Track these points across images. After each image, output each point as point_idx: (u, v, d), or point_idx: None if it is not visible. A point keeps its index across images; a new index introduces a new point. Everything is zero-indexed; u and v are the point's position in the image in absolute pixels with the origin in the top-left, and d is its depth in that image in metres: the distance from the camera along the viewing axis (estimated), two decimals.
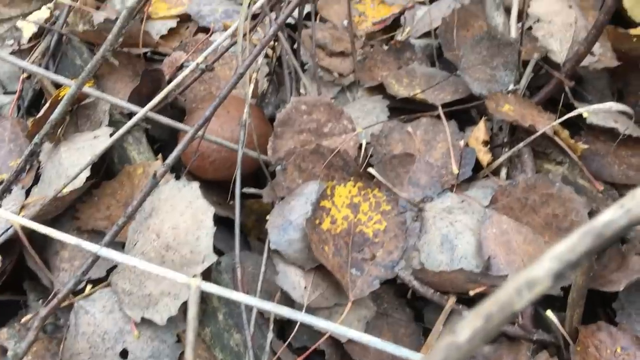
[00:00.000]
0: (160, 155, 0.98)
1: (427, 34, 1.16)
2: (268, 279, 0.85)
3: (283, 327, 0.90)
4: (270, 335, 0.77)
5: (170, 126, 0.90)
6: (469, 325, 0.29)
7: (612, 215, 0.28)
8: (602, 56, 0.98)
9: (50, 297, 0.83)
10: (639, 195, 0.27)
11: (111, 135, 0.86)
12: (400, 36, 1.18)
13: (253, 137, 0.92)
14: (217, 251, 0.97)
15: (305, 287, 0.82)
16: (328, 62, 1.12)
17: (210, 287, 0.55)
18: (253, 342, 0.73)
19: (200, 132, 0.90)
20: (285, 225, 0.84)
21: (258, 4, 0.83)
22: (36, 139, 0.78)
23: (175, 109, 1.04)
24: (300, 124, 0.87)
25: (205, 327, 0.79)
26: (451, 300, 0.76)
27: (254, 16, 0.99)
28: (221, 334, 0.78)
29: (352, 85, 1.10)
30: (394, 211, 0.87)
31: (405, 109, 1.04)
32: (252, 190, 0.85)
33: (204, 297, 0.81)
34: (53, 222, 0.90)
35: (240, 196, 0.82)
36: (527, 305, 0.31)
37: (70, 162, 0.87)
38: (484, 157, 0.93)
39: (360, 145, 0.95)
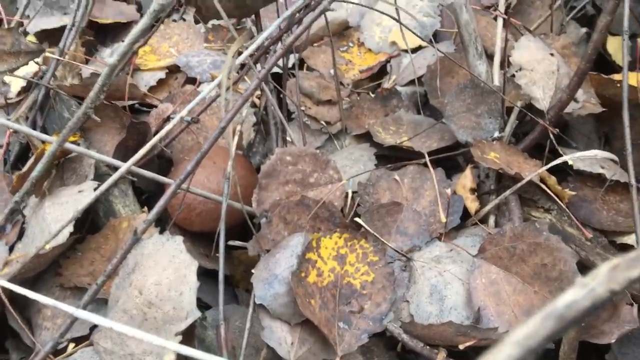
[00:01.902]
0: (146, 208, 0.98)
1: (413, 82, 1.17)
2: (255, 333, 0.83)
3: None
4: None
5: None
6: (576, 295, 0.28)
7: (574, 296, 0.27)
8: (586, 102, 0.99)
9: (31, 357, 0.81)
10: (602, 274, 0.26)
11: (95, 189, 0.86)
12: (386, 84, 1.19)
13: (238, 188, 0.91)
14: (204, 305, 0.96)
15: (292, 343, 0.80)
16: (315, 111, 1.13)
17: (188, 351, 0.53)
18: None
19: (185, 185, 0.90)
20: (271, 279, 0.83)
21: (243, 57, 0.83)
22: (17, 197, 0.77)
23: (163, 159, 1.04)
24: (285, 175, 0.87)
25: None
26: (441, 355, 0.74)
27: (242, 66, 1.00)
28: None
29: (339, 133, 1.10)
30: (381, 262, 0.85)
31: (392, 157, 1.04)
32: (237, 242, 0.84)
33: (187, 356, 0.79)
34: (36, 279, 0.88)
35: (227, 248, 0.81)
36: None
37: (54, 218, 0.86)
38: (472, 204, 0.92)
39: (347, 194, 0.95)
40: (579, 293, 0.27)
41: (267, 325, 0.80)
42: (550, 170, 0.91)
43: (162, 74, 1.19)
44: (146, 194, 1.08)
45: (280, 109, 1.06)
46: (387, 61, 1.23)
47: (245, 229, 1.02)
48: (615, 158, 0.83)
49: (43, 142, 0.91)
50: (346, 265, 0.85)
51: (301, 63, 1.24)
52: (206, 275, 0.96)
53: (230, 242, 0.83)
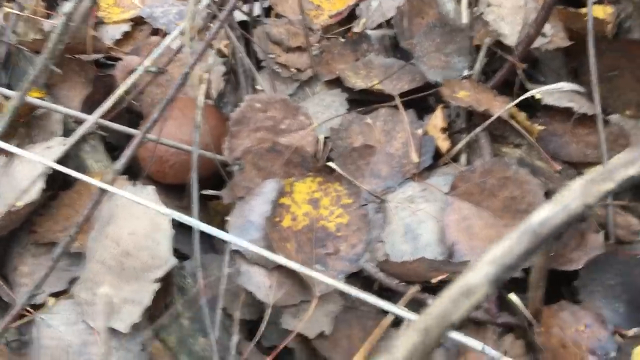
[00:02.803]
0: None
1: (382, 24, 1.16)
2: (234, 280, 0.84)
3: (252, 327, 0.89)
4: (235, 337, 0.76)
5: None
6: (406, 341, 0.29)
7: (549, 212, 0.27)
8: (554, 37, 0.99)
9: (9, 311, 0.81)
10: (576, 189, 0.27)
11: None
12: (356, 28, 1.18)
13: (210, 138, 0.91)
14: (182, 255, 0.96)
15: (269, 286, 0.81)
16: (285, 59, 1.11)
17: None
18: (219, 345, 0.73)
19: (155, 136, 0.89)
20: (246, 225, 0.84)
21: (204, 2, 0.82)
22: None
23: (133, 114, 1.03)
24: (256, 122, 0.86)
25: (170, 334, 0.78)
26: (413, 289, 0.76)
27: (214, 16, 0.98)
28: (186, 339, 0.77)
29: (310, 80, 1.09)
30: (355, 204, 0.86)
31: (364, 101, 1.04)
32: (210, 192, 0.84)
33: (167, 303, 0.80)
34: (10, 237, 0.88)
35: (202, 199, 0.81)
36: (465, 315, 0.31)
37: (24, 175, 0.85)
38: (443, 144, 0.93)
39: (319, 140, 0.95)
40: (553, 209, 0.27)
41: (245, 270, 0.81)
42: (519, 107, 0.92)
43: (127, 27, 1.17)
44: (118, 150, 1.07)
45: (250, 58, 1.04)
46: (357, 5, 1.21)
47: (220, 179, 1.02)
48: (582, 89, 0.84)
49: (7, 98, 0.89)
50: (320, 209, 0.86)
51: (269, 10, 1.22)
52: (183, 227, 0.96)
53: (204, 192, 0.83)
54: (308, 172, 0.86)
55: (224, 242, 0.89)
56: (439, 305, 0.31)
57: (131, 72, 1.01)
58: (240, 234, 0.82)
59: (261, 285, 0.81)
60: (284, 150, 0.84)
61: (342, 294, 0.87)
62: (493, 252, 0.30)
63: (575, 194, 0.27)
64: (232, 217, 0.83)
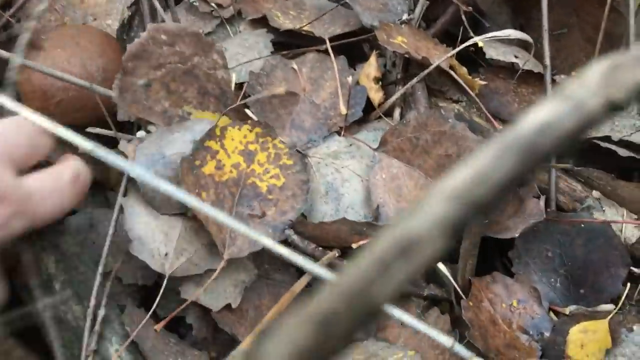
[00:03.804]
0: None
1: None
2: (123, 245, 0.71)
3: (148, 294, 0.77)
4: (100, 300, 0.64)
5: None
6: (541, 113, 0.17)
7: (552, 113, 0.16)
8: None
9: None
10: (594, 78, 0.16)
11: None
12: None
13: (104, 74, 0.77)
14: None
15: (166, 254, 0.69)
16: None
17: None
18: (94, 315, 0.61)
19: (38, 66, 0.75)
20: (157, 157, 0.70)
21: None
22: None
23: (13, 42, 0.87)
24: (159, 58, 0.73)
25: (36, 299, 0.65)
26: (331, 254, 0.66)
27: None
28: (56, 307, 0.65)
29: (233, 17, 0.96)
30: (296, 166, 0.74)
31: (291, 45, 0.92)
32: (98, 130, 0.70)
33: (41, 268, 0.67)
34: None
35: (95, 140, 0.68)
36: (401, 287, 0.20)
37: None
38: (376, 95, 0.83)
39: (238, 84, 0.83)
40: (558, 108, 0.16)
41: (137, 237, 0.68)
42: (461, 61, 0.83)
43: None
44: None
45: None
46: None
47: (121, 125, 0.89)
48: (530, 39, 0.75)
49: None
50: (254, 164, 0.74)
51: None
52: None
53: (90, 129, 0.70)
54: (225, 108, 0.73)
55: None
56: (356, 275, 0.20)
57: None
58: (146, 164, 0.68)
59: (155, 252, 0.69)
60: (203, 77, 0.71)
61: (255, 260, 0.77)
62: (452, 180, 0.19)
63: (593, 86, 0.16)
64: (146, 142, 0.69)
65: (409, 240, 0.19)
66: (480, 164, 0.19)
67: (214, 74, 0.72)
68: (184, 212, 0.70)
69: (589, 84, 0.16)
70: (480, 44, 0.77)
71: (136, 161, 0.67)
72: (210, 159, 0.70)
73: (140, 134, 0.71)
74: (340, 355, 0.20)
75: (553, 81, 0.85)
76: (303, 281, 0.66)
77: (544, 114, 0.16)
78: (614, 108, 0.16)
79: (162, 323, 0.67)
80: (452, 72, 0.79)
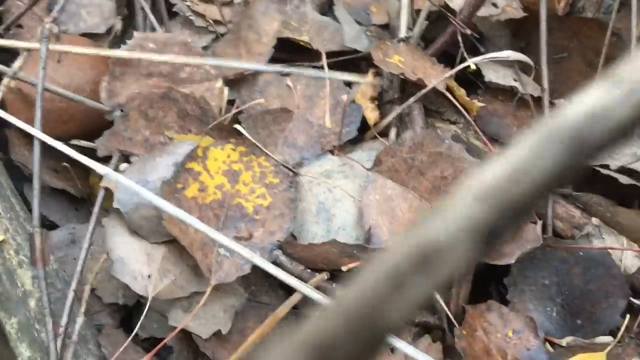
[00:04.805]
0: None
1: None
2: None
3: (128, 313, 0.74)
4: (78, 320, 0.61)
5: None
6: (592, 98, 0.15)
7: (604, 99, 0.14)
8: (507, 6, 0.88)
9: None
10: None
11: None
12: None
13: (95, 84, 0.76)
14: (49, 223, 0.80)
15: (149, 276, 0.66)
16: (203, 8, 0.97)
17: None
18: (68, 333, 0.58)
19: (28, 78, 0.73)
20: (140, 184, 0.68)
21: None
22: None
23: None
24: (149, 66, 0.71)
25: (11, 317, 0.62)
26: (319, 277, 0.64)
27: None
28: (31, 325, 0.61)
29: (228, 33, 0.95)
30: (282, 185, 0.72)
31: (288, 60, 0.91)
32: (82, 142, 0.68)
33: (14, 280, 0.64)
34: None
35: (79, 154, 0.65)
36: (412, 313, 0.17)
37: None
38: (371, 114, 0.81)
39: (229, 99, 0.81)
40: (610, 94, 0.14)
41: (118, 257, 0.65)
42: (460, 83, 0.81)
43: None
44: None
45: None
46: None
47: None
48: (529, 61, 0.74)
49: None
50: (238, 184, 0.72)
51: None
52: (57, 192, 0.81)
53: (73, 141, 0.68)
54: (207, 128, 0.72)
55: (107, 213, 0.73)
56: (363, 288, 0.17)
57: None
58: (129, 192, 0.66)
59: (137, 273, 0.66)
60: (181, 99, 0.69)
61: (244, 283, 0.74)
62: (483, 177, 0.16)
63: None
64: (128, 170, 0.67)
65: (430, 249, 0.17)
66: (517, 157, 0.16)
67: (192, 95, 0.69)
68: (171, 239, 0.67)
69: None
70: (472, 67, 0.75)
71: (119, 190, 0.65)
72: (192, 181, 0.68)
73: (123, 166, 0.69)
74: None
75: (552, 104, 0.83)
76: (289, 304, 0.63)
77: (593, 101, 0.14)
78: None
79: (149, 356, 0.63)
80: (448, 94, 0.77)
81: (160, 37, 0.72)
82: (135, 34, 0.71)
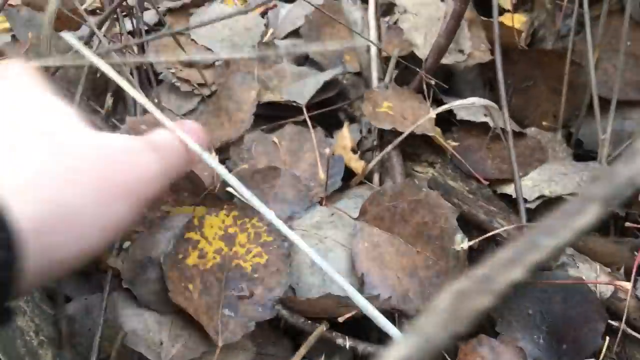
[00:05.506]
0: None
1: (293, 33, 1.08)
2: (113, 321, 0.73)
3: None
4: None
5: None
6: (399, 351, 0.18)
7: (409, 350, 0.17)
8: (475, 50, 0.93)
9: None
10: (439, 312, 0.18)
11: None
12: (264, 38, 1.10)
13: None
14: (65, 298, 0.84)
15: (160, 343, 0.71)
16: (187, 73, 1.02)
17: None
18: None
19: None
20: (145, 261, 0.73)
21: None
22: None
23: None
24: None
25: None
26: (319, 329, 0.68)
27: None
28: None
29: (213, 94, 1.00)
30: (276, 242, 0.77)
31: (270, 116, 0.96)
32: None
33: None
34: None
35: None
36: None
37: None
38: (356, 164, 0.86)
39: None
40: (413, 345, 0.17)
41: (131, 330, 0.70)
42: (435, 122, 0.86)
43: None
44: None
45: (142, 71, 0.94)
46: (264, 14, 1.13)
47: None
48: (494, 105, 0.79)
49: None
50: (235, 246, 0.76)
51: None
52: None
53: None
54: (198, 197, 0.76)
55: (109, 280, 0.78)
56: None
57: None
58: (137, 271, 0.71)
59: (150, 342, 0.71)
60: None
61: (254, 339, 0.78)
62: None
63: (439, 319, 0.18)
64: (132, 250, 0.72)
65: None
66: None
67: (187, 174, 0.74)
68: (177, 310, 0.72)
69: (436, 317, 0.18)
70: (432, 115, 0.80)
71: (127, 267, 0.70)
72: (192, 249, 0.72)
73: (126, 244, 0.74)
74: None
75: (522, 135, 0.88)
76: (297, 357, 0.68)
77: (401, 353, 0.18)
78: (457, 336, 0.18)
79: None
80: (427, 136, 0.82)
81: (151, 119, 0.77)
82: (128, 118, 0.76)
